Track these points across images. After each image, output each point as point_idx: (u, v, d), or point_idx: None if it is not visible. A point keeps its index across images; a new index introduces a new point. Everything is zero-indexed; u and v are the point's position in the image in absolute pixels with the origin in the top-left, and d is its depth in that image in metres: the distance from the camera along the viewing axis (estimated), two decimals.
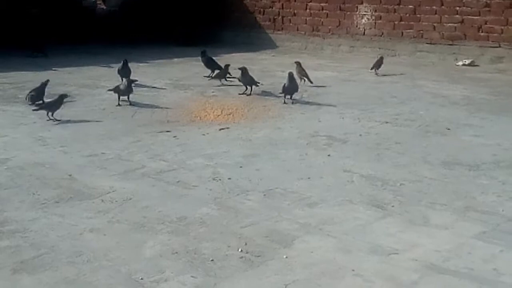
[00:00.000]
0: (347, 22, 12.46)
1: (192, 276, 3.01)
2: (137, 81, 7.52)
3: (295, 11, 13.17)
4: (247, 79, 7.68)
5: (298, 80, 7.78)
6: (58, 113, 6.29)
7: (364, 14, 12.24)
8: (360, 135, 5.81)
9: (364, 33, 12.30)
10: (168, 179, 4.47)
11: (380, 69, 9.41)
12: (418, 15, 11.58)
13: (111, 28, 13.46)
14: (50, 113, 6.27)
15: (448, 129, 6.05)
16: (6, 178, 4.45)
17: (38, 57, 10.69)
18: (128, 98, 7.05)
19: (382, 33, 12.06)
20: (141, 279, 2.99)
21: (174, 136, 5.67)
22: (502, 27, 10.71)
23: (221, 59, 9.95)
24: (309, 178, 4.53)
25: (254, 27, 13.70)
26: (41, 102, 6.76)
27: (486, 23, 10.87)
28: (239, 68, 7.82)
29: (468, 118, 6.54)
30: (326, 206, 3.97)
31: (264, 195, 4.16)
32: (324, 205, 3.99)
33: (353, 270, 3.08)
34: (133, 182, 4.39)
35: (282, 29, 13.40)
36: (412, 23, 11.66)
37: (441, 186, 4.38)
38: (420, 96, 7.74)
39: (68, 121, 6.24)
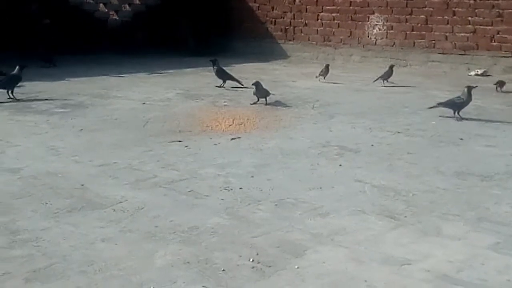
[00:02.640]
0: (358, 32, 12.47)
1: (203, 286, 3.00)
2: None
3: (307, 21, 13.20)
4: (261, 93, 7.75)
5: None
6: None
7: (376, 24, 12.24)
8: (372, 145, 5.79)
9: (375, 43, 12.30)
10: (179, 188, 4.47)
11: (390, 78, 9.39)
12: (430, 25, 11.57)
13: (123, 39, 13.55)
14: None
15: (461, 139, 6.02)
16: (18, 187, 4.47)
17: (48, 68, 10.77)
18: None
19: (394, 43, 12.05)
20: None
21: (186, 146, 5.68)
22: None
23: (233, 69, 10.01)
24: (320, 188, 4.52)
25: (266, 37, 13.74)
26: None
27: (498, 33, 10.84)
28: (253, 84, 7.85)
29: (481, 128, 6.51)
30: (338, 216, 3.95)
31: (276, 205, 4.15)
32: (335, 215, 3.97)
33: (365, 281, 3.06)
34: (144, 192, 4.39)
35: (294, 39, 13.43)
36: (424, 33, 11.65)
37: (454, 196, 4.35)
38: None
39: (80, 131, 6.27)
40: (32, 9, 12.79)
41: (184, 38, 13.85)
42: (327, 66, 9.94)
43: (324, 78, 9.82)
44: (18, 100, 7.81)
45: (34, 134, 6.12)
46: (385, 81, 9.36)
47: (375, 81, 9.35)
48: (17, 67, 7.97)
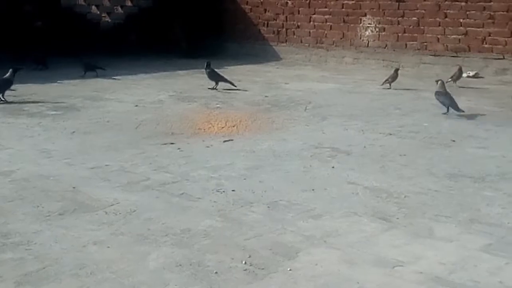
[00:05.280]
0: (350, 34, 12.49)
1: None
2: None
3: (299, 23, 13.21)
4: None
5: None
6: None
7: (368, 26, 12.27)
8: (364, 147, 5.80)
9: (368, 45, 12.32)
10: (172, 191, 4.46)
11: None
12: (422, 27, 11.61)
13: (116, 41, 13.53)
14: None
15: (453, 140, 6.03)
16: (10, 190, 4.45)
17: (40, 70, 10.74)
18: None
19: (386, 45, 12.08)
20: None
21: (178, 148, 5.67)
22: (506, 39, 10.73)
23: (226, 71, 10.00)
24: (313, 190, 4.52)
25: (258, 39, 13.75)
26: None
27: (490, 35, 10.89)
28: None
29: (473, 130, 6.53)
30: (331, 218, 3.96)
31: (268, 207, 4.15)
32: (328, 217, 3.97)
33: (358, 283, 3.06)
34: (137, 194, 4.38)
35: (286, 41, 13.45)
36: (416, 35, 11.68)
37: (446, 198, 4.36)
38: (424, 108, 7.73)
39: (72, 133, 6.25)
40: (25, 11, 12.75)
41: (176, 40, 13.84)
42: (460, 69, 9.53)
43: (455, 82, 9.30)
44: (9, 103, 7.78)
45: (26, 137, 6.10)
46: (454, 82, 9.33)
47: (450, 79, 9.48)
48: (10, 71, 7.94)
